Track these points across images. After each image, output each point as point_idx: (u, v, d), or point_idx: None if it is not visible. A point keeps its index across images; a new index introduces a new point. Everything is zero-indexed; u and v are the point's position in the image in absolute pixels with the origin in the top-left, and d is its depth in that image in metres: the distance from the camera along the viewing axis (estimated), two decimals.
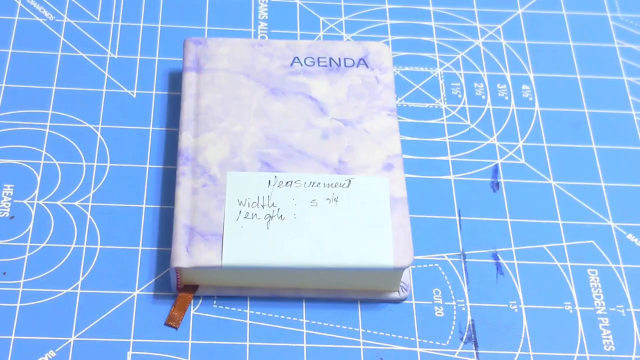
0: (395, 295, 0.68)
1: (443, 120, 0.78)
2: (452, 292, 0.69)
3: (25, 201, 0.71)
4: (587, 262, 0.71)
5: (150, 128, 0.75)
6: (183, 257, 0.65)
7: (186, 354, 0.65)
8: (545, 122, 0.79)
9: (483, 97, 0.80)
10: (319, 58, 0.75)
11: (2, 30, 0.79)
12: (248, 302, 0.67)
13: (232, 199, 0.67)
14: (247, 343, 0.65)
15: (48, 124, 0.74)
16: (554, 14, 0.86)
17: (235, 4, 0.83)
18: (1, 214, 0.70)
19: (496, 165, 0.76)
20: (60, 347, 0.64)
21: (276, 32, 0.82)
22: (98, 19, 0.81)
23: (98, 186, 0.72)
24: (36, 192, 0.71)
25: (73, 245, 0.69)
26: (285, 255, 0.65)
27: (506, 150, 0.77)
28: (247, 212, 0.66)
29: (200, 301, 0.67)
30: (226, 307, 0.67)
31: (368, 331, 0.67)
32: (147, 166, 0.73)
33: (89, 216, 0.70)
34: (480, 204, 0.73)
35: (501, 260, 0.71)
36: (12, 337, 0.64)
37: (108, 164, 0.73)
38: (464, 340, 0.67)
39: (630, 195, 0.75)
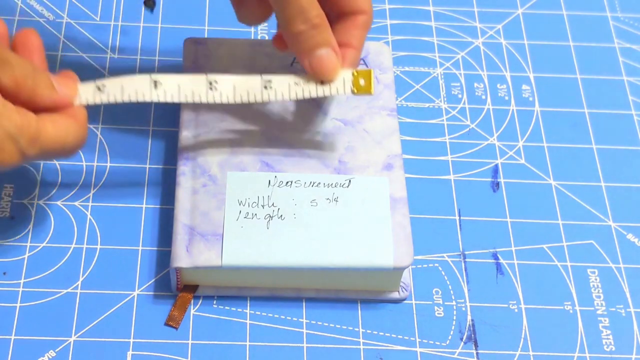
0: (395, 295, 0.68)
1: (443, 120, 0.78)
2: (452, 292, 0.69)
3: (25, 201, 0.70)
4: (587, 262, 0.71)
5: (150, 128, 0.75)
6: (183, 257, 0.65)
7: (186, 354, 0.65)
8: (545, 122, 0.79)
9: (483, 97, 0.80)
10: None
11: None
12: (248, 302, 0.67)
13: (232, 199, 0.67)
14: (247, 343, 0.65)
15: None
16: (554, 14, 0.86)
17: None
18: (1, 214, 0.70)
19: (496, 165, 0.76)
20: (60, 347, 0.64)
21: (276, 32, 0.82)
22: (98, 19, 0.81)
23: (98, 186, 0.72)
24: (36, 192, 0.71)
25: (73, 245, 0.69)
26: (285, 255, 0.65)
27: (506, 150, 0.77)
28: (247, 212, 0.66)
29: (200, 301, 0.67)
30: (226, 307, 0.67)
31: (368, 331, 0.67)
32: (147, 166, 0.73)
33: (89, 216, 0.70)
34: (480, 204, 0.73)
35: (501, 260, 0.71)
36: (12, 337, 0.64)
37: (108, 164, 0.73)
38: (464, 340, 0.67)
39: (630, 195, 0.75)
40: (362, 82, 0.65)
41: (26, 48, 0.63)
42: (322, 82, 0.65)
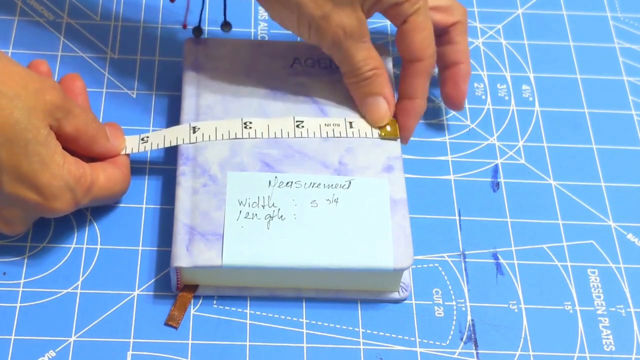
0: (395, 295, 0.68)
1: (443, 121, 0.78)
2: (452, 292, 0.69)
3: None
4: (587, 262, 0.71)
5: (150, 128, 0.75)
6: (183, 257, 0.65)
7: (186, 354, 0.65)
8: (545, 122, 0.79)
9: (483, 97, 0.80)
10: (319, 59, 0.75)
11: (2, 30, 0.79)
12: (248, 302, 0.67)
13: (233, 199, 0.67)
14: (247, 343, 0.65)
15: None
16: (554, 14, 0.86)
17: (235, 4, 0.83)
18: None
19: (496, 165, 0.76)
20: (60, 347, 0.64)
21: (276, 32, 0.82)
22: (98, 19, 0.81)
23: None
24: None
25: (73, 245, 0.69)
26: (285, 256, 0.65)
27: (506, 150, 0.77)
28: (248, 212, 0.66)
29: (200, 301, 0.67)
30: (226, 307, 0.67)
31: (368, 331, 0.67)
32: (147, 166, 0.73)
33: (89, 216, 0.70)
34: (480, 204, 0.74)
35: (501, 260, 0.71)
36: (12, 337, 0.64)
37: None
38: (464, 340, 0.67)
39: (630, 195, 0.75)
40: (388, 128, 0.71)
41: (71, 91, 0.69)
42: (352, 125, 0.71)
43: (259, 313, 0.67)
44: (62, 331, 0.65)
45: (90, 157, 0.67)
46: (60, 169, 0.62)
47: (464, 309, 0.68)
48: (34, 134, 0.61)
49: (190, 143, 0.69)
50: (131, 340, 0.65)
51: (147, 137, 0.70)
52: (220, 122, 0.70)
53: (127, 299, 0.67)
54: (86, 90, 0.70)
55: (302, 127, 0.71)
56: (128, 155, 0.69)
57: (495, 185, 0.75)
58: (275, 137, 0.70)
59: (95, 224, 0.70)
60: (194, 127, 0.70)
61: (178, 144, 0.70)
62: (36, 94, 0.62)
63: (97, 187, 0.65)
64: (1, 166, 0.61)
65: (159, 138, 0.70)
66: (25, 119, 0.61)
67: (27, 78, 0.62)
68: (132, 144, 0.70)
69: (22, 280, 0.67)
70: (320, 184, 0.68)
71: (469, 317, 0.68)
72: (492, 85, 0.81)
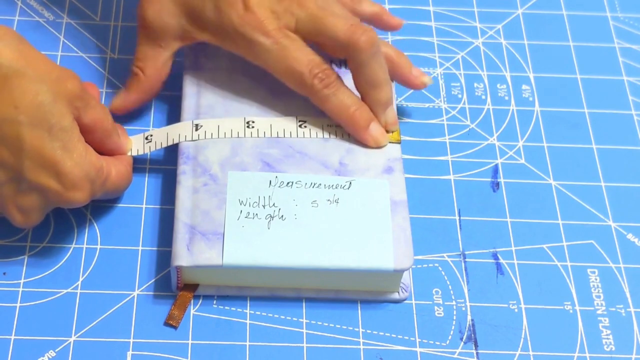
0: (395, 295, 0.68)
1: (443, 120, 0.78)
2: (452, 292, 0.69)
3: None
4: (587, 262, 0.71)
5: (150, 128, 0.75)
6: (184, 256, 0.65)
7: (186, 354, 0.65)
8: (545, 122, 0.79)
9: (483, 97, 0.80)
10: None
11: None
12: (248, 302, 0.67)
13: (233, 199, 0.67)
14: (247, 343, 0.65)
15: None
16: (554, 14, 0.86)
17: None
18: (1, 213, 0.70)
19: (496, 165, 0.76)
20: (60, 347, 0.64)
21: None
22: (98, 19, 0.81)
23: None
24: None
25: (73, 245, 0.69)
26: (286, 256, 0.65)
27: (506, 150, 0.77)
28: (248, 212, 0.66)
29: (200, 301, 0.67)
30: (226, 307, 0.67)
31: (368, 331, 0.67)
32: (147, 166, 0.73)
33: (89, 216, 0.70)
34: (480, 204, 0.74)
35: (501, 260, 0.71)
36: (12, 337, 0.64)
37: None
38: (464, 340, 0.67)
39: (630, 195, 0.75)
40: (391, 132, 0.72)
41: None
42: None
43: (259, 313, 0.67)
44: (62, 331, 0.65)
45: (99, 152, 0.67)
46: (83, 159, 0.63)
47: (463, 308, 0.68)
48: (58, 118, 0.62)
49: (192, 140, 0.70)
50: (131, 340, 0.65)
51: (151, 135, 0.70)
52: (223, 120, 0.71)
53: (127, 299, 0.67)
54: (100, 98, 0.72)
55: (305, 127, 0.71)
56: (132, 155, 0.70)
57: (495, 185, 0.75)
58: (277, 136, 0.70)
59: (95, 224, 0.70)
60: (196, 125, 0.70)
61: (180, 140, 0.70)
62: (58, 81, 0.63)
63: (110, 181, 0.66)
64: (24, 148, 0.61)
65: (162, 136, 0.70)
66: (49, 103, 0.61)
67: (49, 65, 0.63)
68: (137, 145, 0.70)
69: (22, 280, 0.67)
70: (320, 184, 0.68)
71: (469, 317, 0.68)
72: (492, 85, 0.81)
